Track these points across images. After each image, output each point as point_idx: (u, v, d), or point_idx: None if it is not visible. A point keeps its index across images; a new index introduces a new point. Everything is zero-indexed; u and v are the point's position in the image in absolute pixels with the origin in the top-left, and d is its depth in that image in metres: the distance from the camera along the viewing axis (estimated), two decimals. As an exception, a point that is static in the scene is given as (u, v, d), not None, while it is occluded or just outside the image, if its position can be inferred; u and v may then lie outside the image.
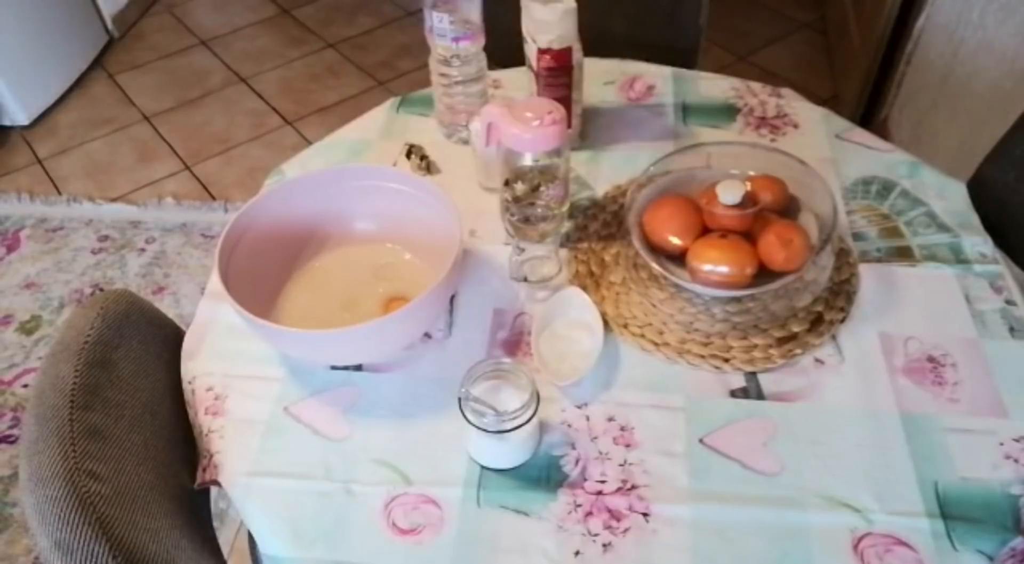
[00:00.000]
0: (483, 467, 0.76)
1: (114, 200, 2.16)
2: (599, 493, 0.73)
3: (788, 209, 0.89)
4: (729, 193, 0.82)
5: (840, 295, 0.88)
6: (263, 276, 0.88)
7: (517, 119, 0.78)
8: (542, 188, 0.83)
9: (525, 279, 0.91)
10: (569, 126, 0.91)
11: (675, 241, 0.86)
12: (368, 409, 0.81)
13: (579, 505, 0.73)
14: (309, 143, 1.14)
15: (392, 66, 2.62)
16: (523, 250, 0.89)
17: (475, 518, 0.72)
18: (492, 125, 0.82)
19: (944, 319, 0.86)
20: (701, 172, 0.92)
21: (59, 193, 2.19)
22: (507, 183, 0.84)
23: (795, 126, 1.10)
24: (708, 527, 0.71)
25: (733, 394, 0.81)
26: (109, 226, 2.08)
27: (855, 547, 0.69)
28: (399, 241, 0.94)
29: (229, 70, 2.63)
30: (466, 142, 1.07)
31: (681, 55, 1.34)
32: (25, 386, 1.71)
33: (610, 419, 0.79)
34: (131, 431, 0.75)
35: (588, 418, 0.79)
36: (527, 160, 0.81)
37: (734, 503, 0.72)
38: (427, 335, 0.87)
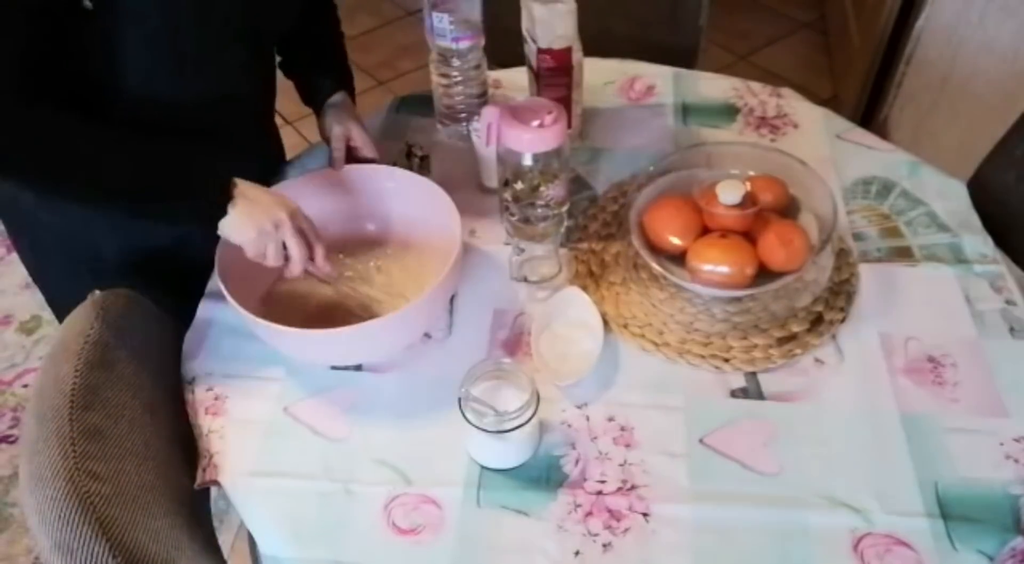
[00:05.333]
0: (483, 467, 0.75)
1: (114, 200, 2.16)
2: (599, 493, 0.73)
3: (788, 209, 0.89)
4: (729, 193, 0.82)
5: (840, 295, 0.88)
6: (263, 276, 0.87)
7: (517, 119, 0.78)
8: (542, 188, 0.83)
9: (525, 279, 0.91)
10: (569, 126, 0.91)
11: (675, 241, 0.86)
12: (368, 409, 0.81)
13: (579, 505, 0.73)
14: (309, 143, 1.13)
15: (392, 66, 2.62)
16: (523, 250, 0.89)
17: (475, 518, 0.72)
18: (492, 125, 0.82)
19: (944, 319, 0.86)
20: (701, 172, 0.92)
21: (59, 193, 2.19)
22: (507, 183, 0.84)
23: (795, 126, 1.10)
24: (708, 527, 0.71)
25: (733, 394, 0.81)
26: (109, 226, 2.07)
27: (855, 547, 0.69)
28: (399, 241, 0.94)
29: (229, 70, 2.62)
30: (466, 142, 1.07)
31: (681, 55, 1.34)
32: (25, 386, 1.71)
33: (610, 419, 0.79)
34: (131, 431, 0.75)
35: (588, 418, 0.79)
36: (527, 160, 0.81)
37: (734, 503, 0.72)
38: (427, 335, 0.87)
